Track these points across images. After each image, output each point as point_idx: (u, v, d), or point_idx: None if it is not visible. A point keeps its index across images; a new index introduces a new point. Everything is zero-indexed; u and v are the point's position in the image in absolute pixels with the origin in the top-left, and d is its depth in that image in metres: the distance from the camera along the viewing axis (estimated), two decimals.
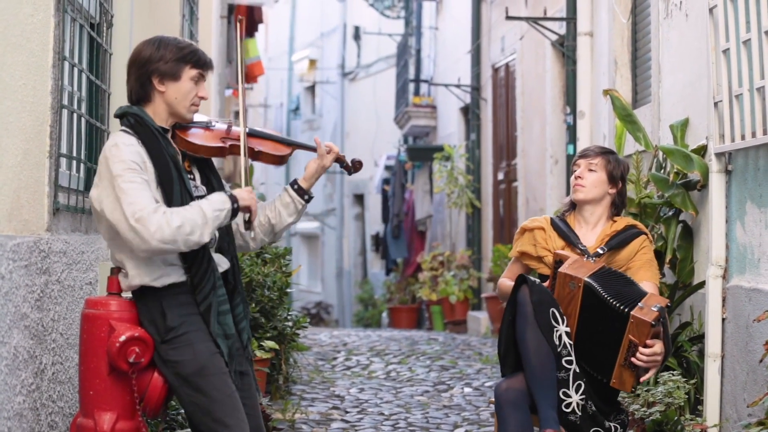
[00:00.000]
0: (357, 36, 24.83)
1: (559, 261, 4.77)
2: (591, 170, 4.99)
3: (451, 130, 17.24)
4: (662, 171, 6.59)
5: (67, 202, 4.66)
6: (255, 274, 7.16)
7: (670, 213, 6.46)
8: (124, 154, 3.79)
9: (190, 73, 3.96)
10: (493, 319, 12.60)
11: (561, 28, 10.57)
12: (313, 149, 4.25)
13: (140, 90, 3.95)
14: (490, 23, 14.36)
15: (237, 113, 4.46)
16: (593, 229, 5.00)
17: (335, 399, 7.75)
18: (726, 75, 5.59)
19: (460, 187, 15.01)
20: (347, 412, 7.26)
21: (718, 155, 5.77)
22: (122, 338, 3.78)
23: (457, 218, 16.09)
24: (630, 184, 6.70)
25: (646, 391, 5.78)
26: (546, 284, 4.75)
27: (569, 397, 4.53)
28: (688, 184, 6.26)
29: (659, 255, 6.44)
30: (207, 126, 4.09)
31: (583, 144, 8.98)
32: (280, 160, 4.18)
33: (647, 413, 5.69)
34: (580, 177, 4.99)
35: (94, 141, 5.29)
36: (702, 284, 6.02)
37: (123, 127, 3.93)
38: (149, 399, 3.86)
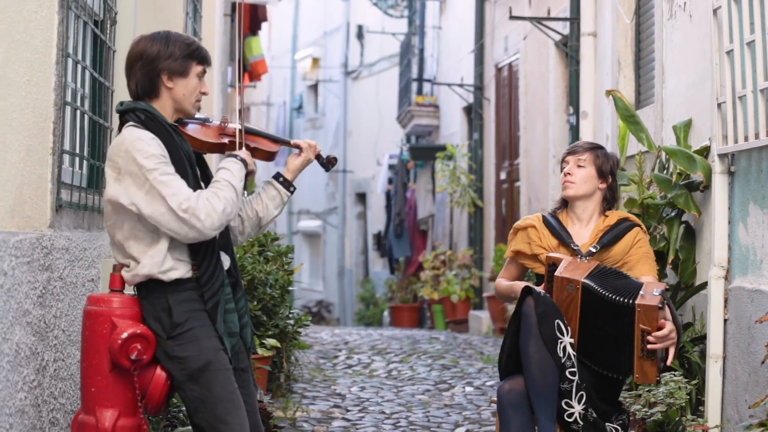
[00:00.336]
0: (360, 35, 24.82)
1: (552, 264, 4.75)
2: (580, 166, 4.95)
3: (453, 130, 17.24)
4: (665, 172, 6.59)
5: (69, 198, 4.66)
6: (257, 272, 7.16)
7: (673, 214, 6.46)
8: (152, 147, 3.80)
9: (196, 69, 3.98)
10: (494, 318, 12.60)
11: (564, 28, 10.57)
12: (297, 146, 4.29)
13: (148, 86, 3.94)
14: (493, 23, 14.36)
15: (241, 111, 4.47)
16: (587, 226, 4.96)
17: (336, 397, 7.75)
18: (730, 76, 5.58)
19: (462, 186, 15.00)
20: (348, 411, 7.26)
21: (721, 156, 5.76)
22: (124, 335, 3.78)
23: (459, 218, 16.08)
24: (633, 184, 6.71)
25: (647, 391, 5.78)
26: (541, 287, 4.75)
27: (571, 407, 4.52)
28: (690, 185, 6.26)
29: (661, 255, 6.45)
30: (205, 122, 4.11)
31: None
32: (270, 157, 4.23)
33: (648, 414, 5.69)
34: (569, 174, 4.96)
35: (97, 138, 5.29)
36: (704, 285, 6.01)
37: (132, 123, 3.90)
38: (151, 396, 3.86)
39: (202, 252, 3.88)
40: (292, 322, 7.57)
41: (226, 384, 3.87)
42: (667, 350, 4.59)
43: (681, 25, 6.79)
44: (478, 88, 15.02)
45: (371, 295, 20.83)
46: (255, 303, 7.10)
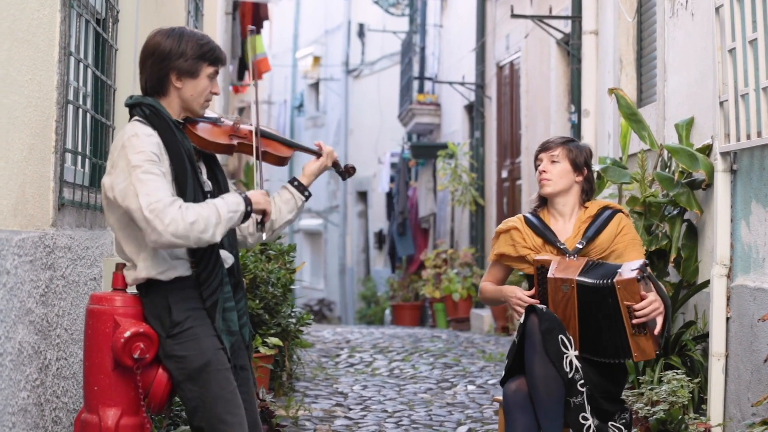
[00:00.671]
0: (361, 33, 24.82)
1: (541, 267, 4.72)
2: (554, 162, 4.89)
3: (455, 128, 17.24)
4: (667, 170, 6.59)
5: (72, 197, 4.66)
6: (259, 271, 7.16)
7: (675, 212, 6.46)
8: (145, 144, 3.78)
9: (207, 70, 3.94)
10: (496, 317, 12.60)
11: (566, 26, 10.57)
12: (313, 152, 4.24)
13: (156, 83, 3.92)
14: (495, 21, 14.35)
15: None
16: (570, 220, 4.91)
17: (338, 396, 7.75)
18: (732, 74, 5.58)
19: (463, 185, 15.00)
20: (350, 409, 7.26)
21: (724, 154, 5.76)
22: (127, 334, 3.78)
23: (461, 216, 16.08)
24: (635, 182, 6.70)
25: (650, 389, 5.78)
26: (533, 291, 4.74)
27: (587, 420, 4.52)
28: (693, 183, 6.26)
29: (663, 254, 6.45)
30: (216, 122, 4.07)
31: (587, 142, 8.98)
32: (281, 161, 4.17)
33: (651, 412, 5.68)
34: (544, 171, 4.90)
35: (100, 136, 5.29)
36: (706, 283, 6.01)
37: (138, 118, 3.90)
38: (154, 395, 3.86)
39: (201, 249, 3.86)
40: (294, 320, 7.57)
41: (224, 384, 3.86)
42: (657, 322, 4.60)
43: (683, 23, 6.78)
44: (480, 87, 15.02)
45: (372, 294, 20.83)
46: (257, 302, 7.10)
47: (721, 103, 5.74)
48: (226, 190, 4.06)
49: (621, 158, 7.18)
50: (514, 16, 11.40)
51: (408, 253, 18.53)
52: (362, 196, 24.91)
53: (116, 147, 3.83)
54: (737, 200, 5.69)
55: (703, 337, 6.09)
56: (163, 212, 3.67)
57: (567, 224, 4.91)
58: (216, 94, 4.01)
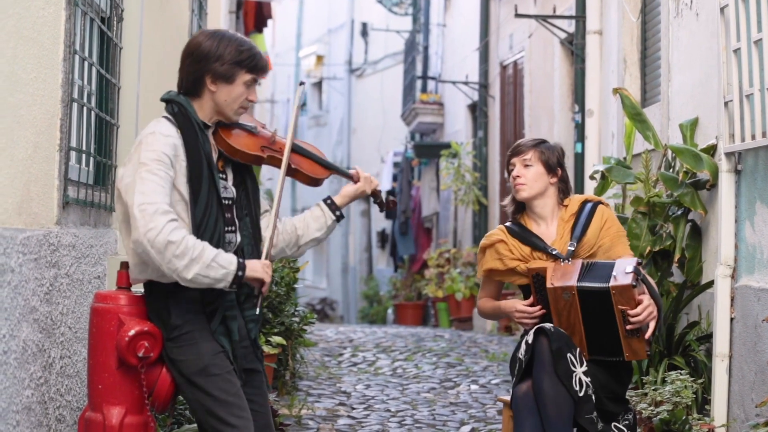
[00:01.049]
0: (364, 32, 24.82)
1: (537, 275, 4.68)
2: (527, 166, 4.80)
3: (458, 128, 17.23)
4: (671, 170, 6.58)
5: (76, 195, 4.66)
6: None
7: (679, 212, 6.45)
8: (159, 144, 3.74)
9: (244, 77, 3.87)
10: None
11: (570, 26, 10.56)
12: (350, 177, 4.18)
13: (191, 84, 3.87)
14: (498, 20, 14.35)
15: (295, 128, 4.19)
16: (552, 222, 4.83)
17: (342, 395, 7.75)
18: (737, 74, 5.58)
19: (467, 184, 15.00)
20: (354, 409, 7.26)
21: (728, 155, 5.75)
22: (131, 332, 3.77)
23: (464, 215, 16.08)
24: (639, 183, 6.69)
25: (653, 390, 5.78)
26: (530, 300, 4.71)
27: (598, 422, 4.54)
28: (697, 184, 6.25)
29: (667, 254, 6.44)
30: (251, 130, 3.99)
31: (591, 142, 8.98)
32: (314, 182, 4.08)
33: (655, 412, 5.68)
34: (518, 176, 4.81)
35: (104, 135, 5.28)
36: (710, 284, 6.01)
37: (166, 115, 3.87)
38: (158, 393, 3.85)
39: None
40: (297, 319, 7.57)
41: (226, 387, 3.82)
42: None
43: (687, 24, 6.78)
44: (483, 86, 15.02)
45: (375, 293, 20.84)
46: None
47: (726, 104, 5.74)
48: (255, 200, 4.01)
49: (625, 158, 7.17)
50: (518, 15, 11.38)
51: (409, 252, 18.53)
52: None
53: (137, 141, 3.81)
54: (742, 201, 5.69)
55: (707, 338, 6.08)
56: (151, 216, 3.63)
57: (550, 227, 4.83)
58: (252, 102, 3.93)
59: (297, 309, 7.67)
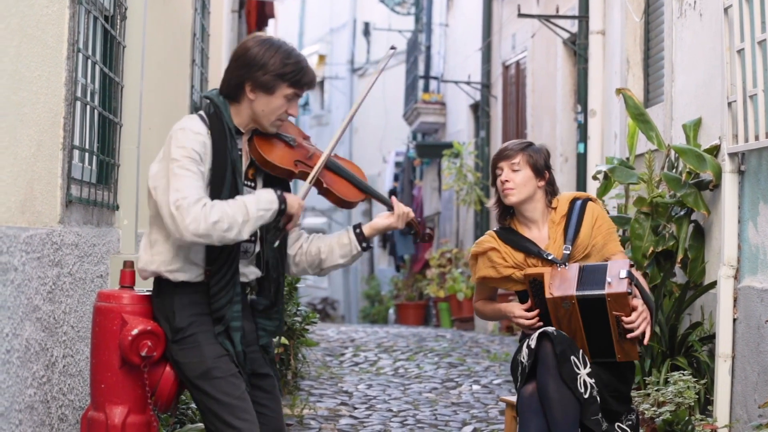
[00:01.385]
0: (367, 32, 24.84)
1: (534, 280, 4.65)
2: (515, 170, 4.74)
3: (460, 127, 17.23)
4: (674, 170, 6.58)
5: (79, 194, 4.66)
6: None
7: (682, 212, 6.45)
8: (189, 140, 3.71)
9: (285, 91, 3.81)
10: None
11: (573, 26, 10.56)
12: (387, 204, 4.09)
13: (232, 88, 3.82)
14: (501, 20, 14.34)
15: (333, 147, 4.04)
16: (543, 225, 4.80)
17: (343, 395, 7.74)
18: (740, 75, 5.57)
19: (468, 184, 15.00)
20: (355, 408, 7.25)
21: (731, 155, 5.75)
22: (134, 331, 3.77)
23: (466, 215, 16.08)
24: (642, 183, 6.69)
25: (656, 390, 5.78)
26: (528, 304, 4.70)
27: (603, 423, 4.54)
28: (700, 184, 6.25)
29: (670, 254, 6.44)
30: (289, 143, 3.93)
31: (594, 143, 8.98)
32: (346, 205, 3.99)
33: (657, 413, 5.68)
34: (506, 180, 4.74)
35: (107, 133, 5.28)
36: (713, 284, 6.00)
37: (201, 112, 3.85)
38: (161, 393, 3.85)
39: (221, 260, 3.79)
40: (299, 319, 7.57)
41: (230, 389, 3.80)
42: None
43: (691, 24, 6.77)
44: (485, 86, 15.01)
45: (376, 293, 20.84)
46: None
47: (729, 104, 5.73)
48: None
49: (628, 158, 7.17)
50: (520, 15, 11.38)
51: (408, 252, 18.52)
52: None
53: (169, 136, 3.78)
54: (745, 201, 5.68)
55: (710, 338, 6.08)
56: (186, 210, 3.61)
57: (542, 230, 4.79)
58: (292, 115, 3.88)
59: (299, 309, 7.67)
